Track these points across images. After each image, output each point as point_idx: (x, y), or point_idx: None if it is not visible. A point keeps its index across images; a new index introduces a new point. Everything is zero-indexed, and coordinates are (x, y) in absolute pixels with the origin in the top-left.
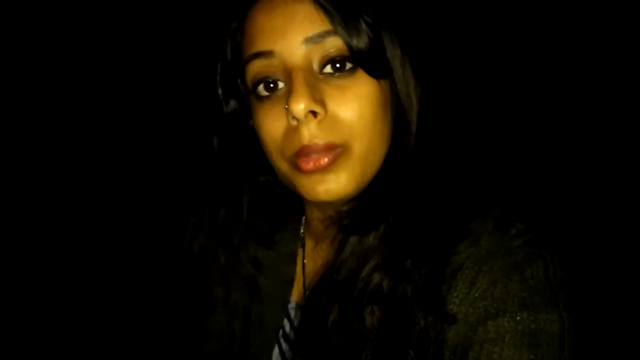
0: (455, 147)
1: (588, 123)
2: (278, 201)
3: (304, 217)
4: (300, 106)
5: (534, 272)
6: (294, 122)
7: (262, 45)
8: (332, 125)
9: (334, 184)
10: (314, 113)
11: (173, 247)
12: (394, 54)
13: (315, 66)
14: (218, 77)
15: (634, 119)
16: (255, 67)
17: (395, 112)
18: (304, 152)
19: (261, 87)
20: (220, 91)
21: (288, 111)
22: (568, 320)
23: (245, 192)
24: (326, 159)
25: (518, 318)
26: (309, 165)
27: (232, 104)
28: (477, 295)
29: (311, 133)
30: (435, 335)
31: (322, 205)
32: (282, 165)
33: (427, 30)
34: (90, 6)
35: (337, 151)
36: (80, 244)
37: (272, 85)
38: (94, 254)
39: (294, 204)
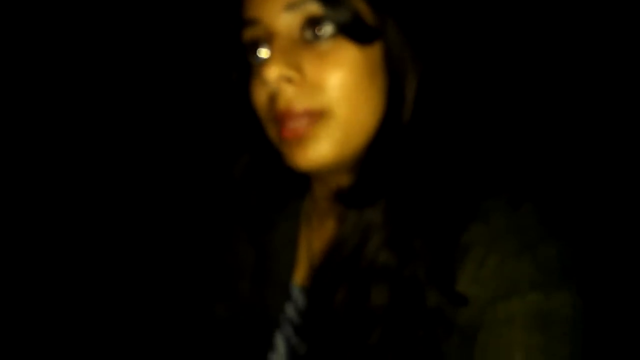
0: (464, 123)
1: (603, 103)
2: (282, 178)
3: (307, 195)
4: (270, 72)
5: (545, 251)
6: (271, 88)
7: (249, 13)
8: (310, 91)
9: (313, 150)
10: (289, 79)
11: (180, 235)
12: (385, 19)
13: (297, 32)
14: (225, 51)
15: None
16: (247, 35)
17: (390, 80)
18: (282, 119)
19: (252, 54)
20: (228, 65)
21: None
22: (580, 302)
23: (253, 160)
24: (305, 127)
25: (528, 298)
26: (288, 133)
27: (239, 75)
28: (486, 274)
29: (287, 98)
30: (445, 316)
31: (313, 174)
32: (271, 132)
33: None
34: None
35: (316, 117)
36: (87, 232)
37: (259, 51)
38: (100, 242)
39: (298, 181)
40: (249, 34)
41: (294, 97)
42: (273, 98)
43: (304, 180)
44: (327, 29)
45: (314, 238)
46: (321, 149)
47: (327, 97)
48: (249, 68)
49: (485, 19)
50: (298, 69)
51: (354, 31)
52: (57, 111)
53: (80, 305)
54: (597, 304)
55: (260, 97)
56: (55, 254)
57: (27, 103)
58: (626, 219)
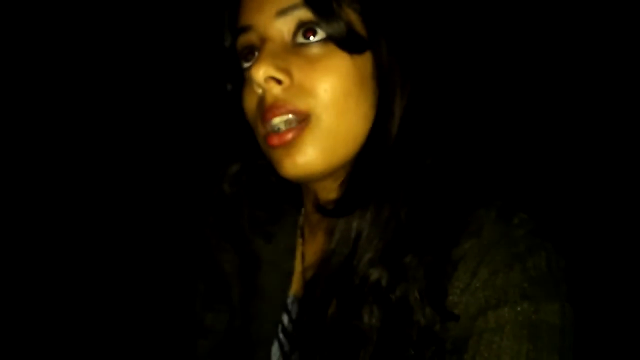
0: (452, 135)
1: (591, 114)
2: (275, 190)
3: (302, 209)
4: (259, 72)
5: (536, 262)
6: (259, 90)
7: (243, 20)
8: (298, 94)
9: (301, 157)
10: (277, 80)
11: (172, 243)
12: (374, 32)
13: (288, 37)
14: (221, 62)
15: (634, 108)
16: (240, 42)
17: (379, 92)
18: (268, 113)
19: (245, 61)
20: (224, 75)
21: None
22: (569, 312)
23: (245, 172)
24: (290, 134)
25: (519, 308)
26: (274, 140)
27: (234, 85)
28: (478, 285)
29: (274, 97)
30: (437, 333)
31: (301, 184)
32: (260, 140)
33: (417, 9)
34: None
35: (303, 123)
36: (80, 241)
37: (250, 55)
38: (94, 250)
39: (291, 194)
40: (243, 40)
41: (281, 97)
42: (262, 101)
43: (296, 192)
44: (318, 35)
45: (308, 249)
46: (309, 155)
47: (315, 101)
48: (243, 78)
49: (474, 40)
50: (287, 72)
51: (344, 41)
52: (53, 118)
53: (72, 308)
54: (589, 312)
55: (250, 102)
56: (42, 257)
57: (27, 103)
58: (618, 226)
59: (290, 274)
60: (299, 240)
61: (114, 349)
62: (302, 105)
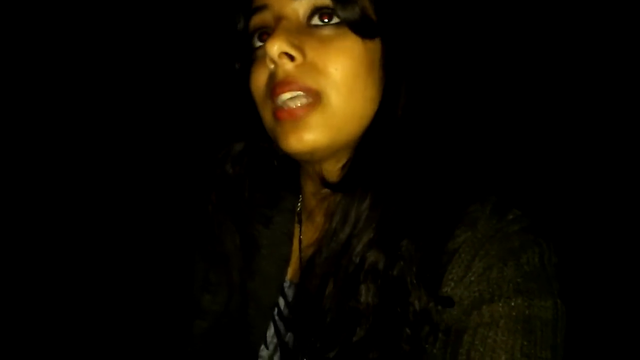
0: (452, 128)
1: (585, 112)
2: (275, 175)
3: (300, 194)
4: (273, 47)
5: (529, 258)
6: (272, 65)
7: (258, 0)
8: (309, 72)
9: (306, 133)
10: (291, 57)
11: (170, 225)
12: (385, 19)
13: (303, 18)
14: (233, 45)
15: (625, 105)
16: (254, 21)
17: (387, 76)
18: (278, 88)
19: (256, 37)
20: (232, 55)
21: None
22: (561, 307)
23: (247, 153)
24: (301, 111)
25: (512, 303)
26: (284, 114)
27: (243, 67)
28: (472, 279)
29: (286, 72)
30: (431, 317)
31: (303, 164)
32: (266, 115)
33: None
34: None
35: (312, 100)
36: (78, 231)
37: (264, 35)
38: (89, 238)
39: (290, 179)
40: (257, 19)
41: (293, 73)
42: (272, 77)
43: (294, 177)
44: (334, 19)
45: (305, 234)
46: (314, 131)
47: (325, 80)
48: (252, 58)
49: (480, 30)
50: (300, 49)
51: (358, 25)
52: (57, 110)
53: (74, 305)
54: (582, 309)
55: (260, 78)
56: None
57: (27, 103)
58: (612, 223)
59: (287, 259)
60: (296, 227)
61: (112, 334)
62: (312, 83)
